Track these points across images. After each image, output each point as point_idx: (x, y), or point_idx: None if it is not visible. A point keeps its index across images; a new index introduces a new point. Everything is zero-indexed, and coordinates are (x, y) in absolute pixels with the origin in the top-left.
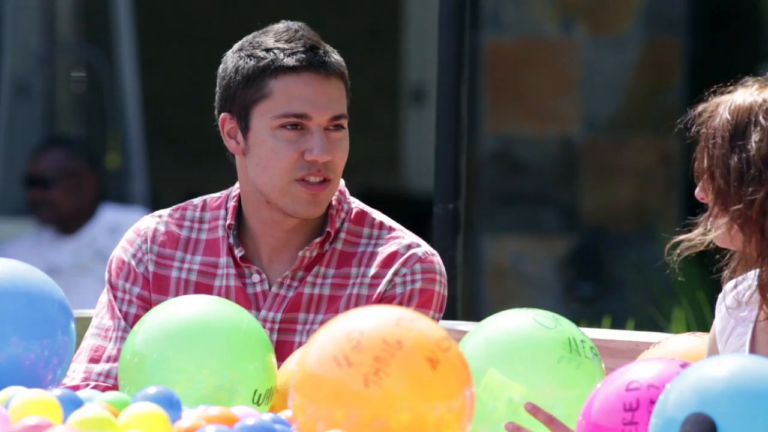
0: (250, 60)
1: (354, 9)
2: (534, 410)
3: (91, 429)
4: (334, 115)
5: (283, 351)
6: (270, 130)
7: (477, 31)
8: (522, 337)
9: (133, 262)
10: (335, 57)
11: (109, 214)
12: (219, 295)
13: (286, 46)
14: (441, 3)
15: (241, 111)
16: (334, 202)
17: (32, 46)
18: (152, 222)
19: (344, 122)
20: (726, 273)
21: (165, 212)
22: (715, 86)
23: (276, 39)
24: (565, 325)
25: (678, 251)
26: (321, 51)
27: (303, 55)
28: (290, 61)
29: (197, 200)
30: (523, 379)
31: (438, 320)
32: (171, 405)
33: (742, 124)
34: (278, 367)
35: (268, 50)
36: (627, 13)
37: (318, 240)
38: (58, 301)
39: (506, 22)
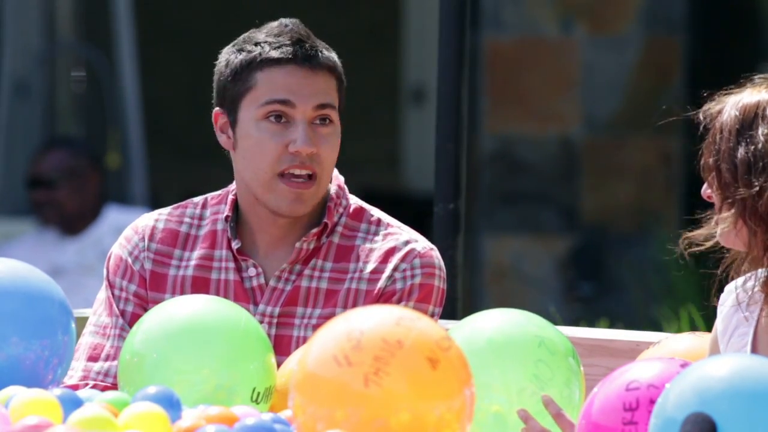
0: (240, 54)
1: (354, 8)
2: (547, 402)
3: (91, 429)
4: (319, 103)
5: (281, 345)
6: (255, 122)
7: (477, 31)
8: (500, 336)
9: (129, 260)
10: (326, 53)
11: (114, 215)
12: (217, 288)
13: (273, 39)
14: (441, 3)
15: (231, 105)
16: (333, 196)
17: (32, 46)
18: (150, 220)
19: (332, 115)
20: (731, 273)
21: (165, 210)
22: (716, 90)
23: (266, 34)
24: (548, 329)
25: (682, 249)
26: (307, 44)
27: (289, 48)
28: (275, 53)
29: (198, 198)
30: (500, 378)
31: (438, 315)
32: (171, 405)
33: (750, 118)
34: (277, 363)
35: (256, 44)
36: (627, 13)
37: (315, 231)
38: (58, 301)
39: (506, 22)
